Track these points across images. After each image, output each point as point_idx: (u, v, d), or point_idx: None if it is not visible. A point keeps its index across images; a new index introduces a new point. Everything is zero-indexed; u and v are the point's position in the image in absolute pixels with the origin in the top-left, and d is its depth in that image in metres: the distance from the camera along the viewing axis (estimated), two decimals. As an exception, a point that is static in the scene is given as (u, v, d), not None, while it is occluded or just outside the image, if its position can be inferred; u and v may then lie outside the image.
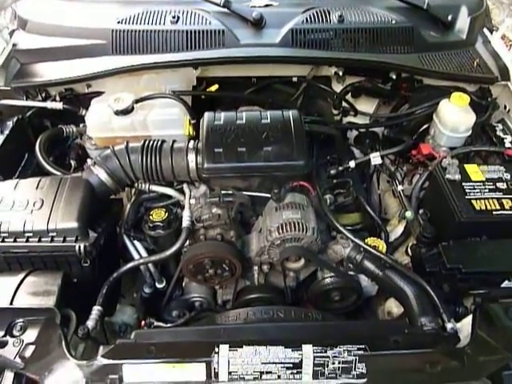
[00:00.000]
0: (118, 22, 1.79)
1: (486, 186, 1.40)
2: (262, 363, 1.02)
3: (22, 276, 1.20)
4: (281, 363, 1.02)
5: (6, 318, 1.09)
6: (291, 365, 1.02)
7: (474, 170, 1.46)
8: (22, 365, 1.03)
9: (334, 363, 1.02)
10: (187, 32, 1.76)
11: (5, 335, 1.07)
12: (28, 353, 1.04)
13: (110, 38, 1.76)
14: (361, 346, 1.04)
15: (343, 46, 1.81)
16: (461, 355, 1.06)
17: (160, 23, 1.78)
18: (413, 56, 1.84)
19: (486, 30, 2.04)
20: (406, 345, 1.07)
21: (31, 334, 1.07)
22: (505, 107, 1.87)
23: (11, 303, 1.13)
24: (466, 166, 1.48)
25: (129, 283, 1.66)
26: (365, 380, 1.03)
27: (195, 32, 1.75)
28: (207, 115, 1.49)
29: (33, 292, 1.16)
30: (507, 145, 1.70)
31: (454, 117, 1.63)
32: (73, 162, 1.75)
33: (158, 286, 1.58)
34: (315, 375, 1.02)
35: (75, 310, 1.18)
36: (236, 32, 1.77)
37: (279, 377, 1.02)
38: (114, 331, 1.49)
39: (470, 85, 1.87)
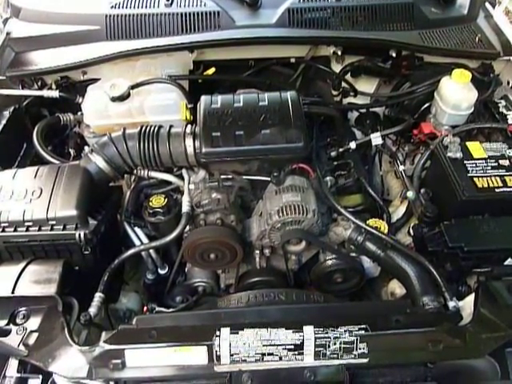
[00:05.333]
0: (112, 7, 1.77)
1: (489, 164, 1.39)
2: (264, 345, 1.03)
3: (23, 265, 1.20)
4: (282, 345, 1.03)
5: (8, 307, 1.11)
6: (293, 346, 1.03)
7: (476, 148, 1.44)
8: (25, 352, 1.04)
9: (335, 344, 1.03)
10: (182, 15, 1.73)
11: (8, 323, 1.08)
12: (31, 340, 1.05)
13: (104, 24, 1.74)
14: (362, 326, 1.04)
15: (341, 25, 1.78)
16: (463, 333, 1.06)
17: (154, 6, 1.76)
18: (413, 33, 1.81)
19: (487, 5, 1.99)
20: (408, 324, 1.07)
21: (34, 322, 1.08)
22: (508, 83, 1.83)
23: (13, 292, 1.13)
24: (467, 143, 1.46)
25: (132, 270, 1.67)
26: (367, 360, 1.03)
27: (190, 14, 1.73)
28: (204, 99, 1.47)
29: (34, 280, 1.17)
30: (510, 121, 1.67)
31: (456, 94, 1.60)
32: (72, 151, 1.75)
33: (161, 272, 1.58)
34: (317, 356, 1.03)
35: (78, 297, 1.19)
36: (231, 13, 1.74)
37: (281, 358, 1.03)
38: (119, 317, 1.50)
39: (471, 61, 1.83)
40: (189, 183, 1.46)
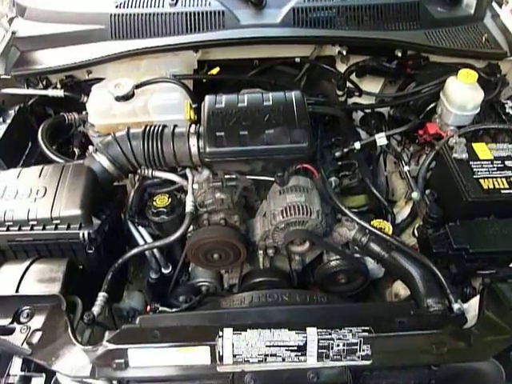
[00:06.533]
0: (117, 6, 1.77)
1: (495, 165, 1.38)
2: (267, 346, 1.02)
3: (27, 264, 1.20)
4: (285, 346, 1.02)
5: (12, 306, 1.11)
6: (296, 347, 1.02)
7: (482, 149, 1.43)
8: (29, 351, 1.04)
9: (338, 345, 1.02)
10: (186, 14, 1.73)
11: (12, 322, 1.08)
12: (35, 339, 1.06)
13: (109, 23, 1.75)
14: (365, 328, 1.03)
15: (347, 24, 1.77)
16: (467, 336, 1.05)
17: (159, 6, 1.76)
18: (419, 32, 1.80)
19: (494, 4, 1.98)
20: (412, 326, 1.06)
21: (38, 321, 1.09)
22: (515, 83, 1.82)
23: (17, 291, 1.14)
24: (473, 144, 1.45)
25: (136, 269, 1.67)
26: (370, 361, 1.02)
27: (195, 14, 1.73)
28: (208, 98, 1.47)
29: (38, 279, 1.17)
30: (517, 122, 1.66)
31: (462, 94, 1.59)
32: (76, 150, 1.75)
33: (164, 271, 1.58)
34: (320, 357, 1.02)
35: (82, 296, 1.19)
36: (236, 13, 1.74)
37: (284, 359, 1.02)
38: (123, 317, 1.50)
39: (478, 61, 1.82)
40: (192, 183, 1.46)
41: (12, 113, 1.66)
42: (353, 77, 1.92)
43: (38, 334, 1.06)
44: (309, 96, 1.69)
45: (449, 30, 1.82)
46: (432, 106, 1.74)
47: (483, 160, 1.39)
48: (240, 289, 1.51)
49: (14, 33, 1.83)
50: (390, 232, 1.41)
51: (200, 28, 1.73)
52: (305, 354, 1.02)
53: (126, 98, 1.54)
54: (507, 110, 1.71)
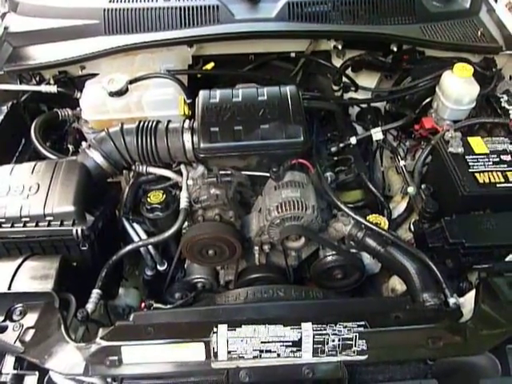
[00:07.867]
0: (110, 1, 1.76)
1: (490, 159, 1.37)
2: (262, 342, 1.02)
3: (19, 261, 1.19)
4: (280, 342, 1.02)
5: (5, 303, 1.10)
6: (291, 343, 1.02)
7: (478, 143, 1.43)
8: (22, 349, 1.03)
9: (333, 340, 1.01)
10: (181, 8, 1.72)
11: (4, 320, 1.07)
12: (28, 337, 1.04)
13: (103, 18, 1.73)
14: (361, 323, 1.03)
15: (342, 19, 1.77)
16: (463, 330, 1.05)
17: (152, 0, 1.74)
18: (414, 27, 1.80)
19: (490, -2, 1.97)
20: (408, 321, 1.06)
21: (31, 319, 1.08)
22: (510, 77, 1.82)
23: (9, 288, 1.12)
24: (469, 138, 1.44)
25: (132, 266, 1.66)
26: (366, 356, 1.02)
27: (189, 8, 1.72)
28: (202, 93, 1.46)
29: (31, 276, 1.16)
30: (513, 116, 1.65)
31: (458, 88, 1.58)
32: (70, 147, 1.73)
33: (160, 268, 1.57)
34: (315, 353, 1.02)
35: (76, 293, 1.17)
36: (231, 7, 1.73)
37: (279, 355, 1.02)
38: (118, 314, 1.50)
39: (473, 55, 1.82)
40: (187, 179, 1.44)
41: (5, 109, 1.65)
42: (349, 71, 1.91)
43: (31, 332, 1.05)
44: (304, 91, 1.68)
45: (444, 24, 1.82)
46: (428, 100, 1.73)
47: (479, 154, 1.38)
48: (236, 285, 1.50)
49: (6, 28, 1.81)
50: (386, 227, 1.40)
51: (194, 23, 1.72)
52: (300, 350, 1.02)
53: (120, 93, 1.53)
54: (503, 104, 1.70)
